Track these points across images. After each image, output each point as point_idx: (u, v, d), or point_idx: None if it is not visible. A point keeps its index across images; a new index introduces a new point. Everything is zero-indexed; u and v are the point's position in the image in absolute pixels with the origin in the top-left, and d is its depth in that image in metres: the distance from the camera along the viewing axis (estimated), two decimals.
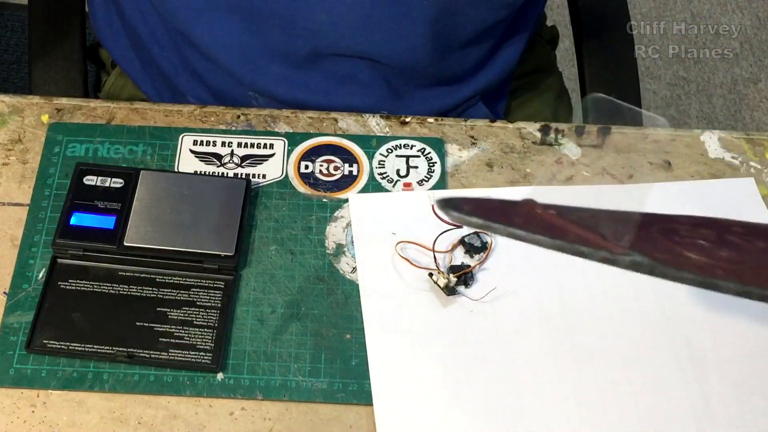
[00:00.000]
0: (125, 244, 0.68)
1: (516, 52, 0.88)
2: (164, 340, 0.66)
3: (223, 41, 0.80)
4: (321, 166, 0.76)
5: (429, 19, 0.76)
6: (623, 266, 0.48)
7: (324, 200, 0.74)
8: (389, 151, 0.77)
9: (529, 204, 0.50)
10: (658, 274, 0.48)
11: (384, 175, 0.75)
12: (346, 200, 0.74)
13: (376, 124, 0.78)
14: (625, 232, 0.49)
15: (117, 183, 0.71)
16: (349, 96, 0.83)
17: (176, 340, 0.66)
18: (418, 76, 0.83)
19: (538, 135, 0.78)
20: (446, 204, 0.48)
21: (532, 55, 0.99)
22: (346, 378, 0.65)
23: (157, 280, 0.68)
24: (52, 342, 0.65)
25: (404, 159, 0.76)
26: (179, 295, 0.68)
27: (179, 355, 0.65)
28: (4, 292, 0.68)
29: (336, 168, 0.76)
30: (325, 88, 0.82)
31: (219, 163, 0.75)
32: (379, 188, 0.75)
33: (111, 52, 0.93)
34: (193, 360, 0.65)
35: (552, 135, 0.78)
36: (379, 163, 0.76)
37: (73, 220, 0.69)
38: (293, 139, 0.77)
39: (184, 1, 0.78)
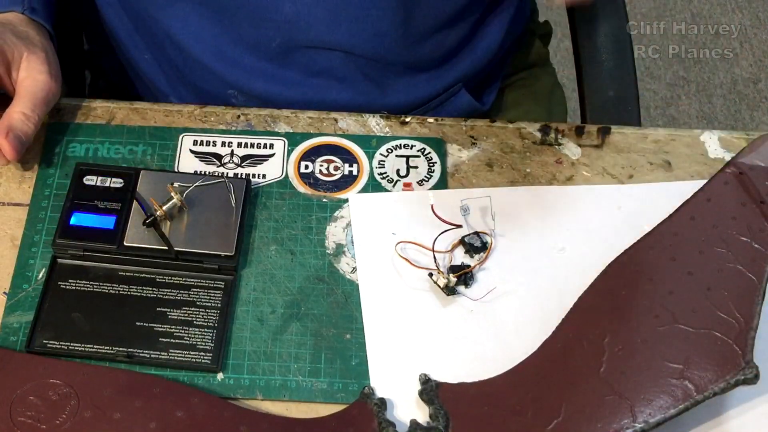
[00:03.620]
0: (125, 244, 0.68)
1: (497, 35, 0.87)
2: (164, 340, 0.66)
3: (195, 34, 0.80)
4: (321, 166, 0.76)
5: (396, 3, 0.77)
6: None
7: (324, 200, 0.74)
8: (389, 151, 0.77)
9: None
10: None
11: (384, 175, 0.75)
12: (346, 200, 0.74)
13: (376, 124, 0.78)
14: None
15: (117, 183, 0.71)
16: (327, 89, 0.82)
17: (176, 340, 0.66)
18: (394, 64, 0.82)
19: (538, 135, 0.78)
20: None
21: (524, 51, 0.99)
22: (346, 378, 0.65)
23: (157, 280, 0.68)
24: (52, 342, 0.65)
25: (404, 159, 0.76)
26: (179, 295, 0.68)
27: (179, 355, 0.65)
28: (4, 292, 0.68)
29: (336, 168, 0.76)
30: (301, 82, 0.82)
31: (219, 163, 0.75)
32: (379, 188, 0.75)
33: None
34: (193, 360, 0.65)
35: (552, 135, 0.78)
36: (379, 163, 0.76)
37: (73, 220, 0.69)
38: (293, 139, 0.77)
39: None
